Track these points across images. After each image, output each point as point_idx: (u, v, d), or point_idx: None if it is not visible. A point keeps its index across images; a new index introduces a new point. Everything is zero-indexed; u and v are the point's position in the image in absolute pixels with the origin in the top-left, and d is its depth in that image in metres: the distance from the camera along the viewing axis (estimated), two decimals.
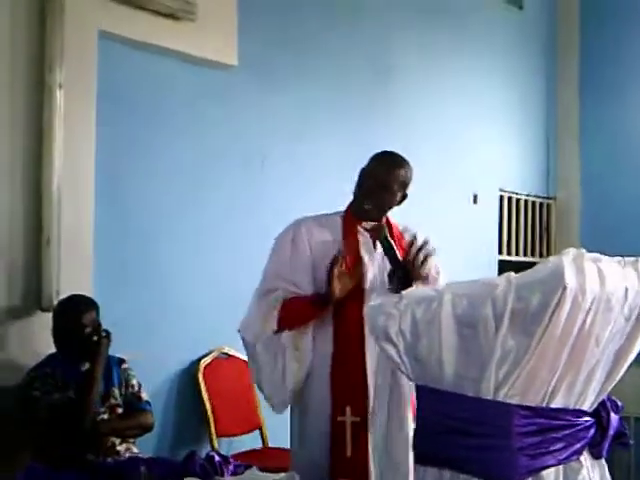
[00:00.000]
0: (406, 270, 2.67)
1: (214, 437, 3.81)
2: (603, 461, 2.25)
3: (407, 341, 2.09)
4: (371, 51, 4.78)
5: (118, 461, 2.71)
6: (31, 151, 3.25)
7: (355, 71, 4.66)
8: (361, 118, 4.65)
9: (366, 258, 2.76)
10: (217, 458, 2.12)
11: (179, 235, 3.78)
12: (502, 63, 5.68)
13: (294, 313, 2.72)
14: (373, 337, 2.22)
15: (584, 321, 1.94)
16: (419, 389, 2.15)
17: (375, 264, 2.76)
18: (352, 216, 2.84)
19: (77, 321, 3.07)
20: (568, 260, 1.89)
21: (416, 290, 2.12)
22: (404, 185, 2.83)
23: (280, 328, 2.71)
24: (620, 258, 2.09)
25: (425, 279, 2.71)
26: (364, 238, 2.81)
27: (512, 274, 1.98)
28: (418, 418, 2.18)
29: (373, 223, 2.82)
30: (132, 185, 3.64)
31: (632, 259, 2.11)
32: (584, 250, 1.96)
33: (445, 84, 5.22)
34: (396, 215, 4.39)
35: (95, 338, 3.07)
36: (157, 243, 3.71)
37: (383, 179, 2.77)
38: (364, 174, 2.81)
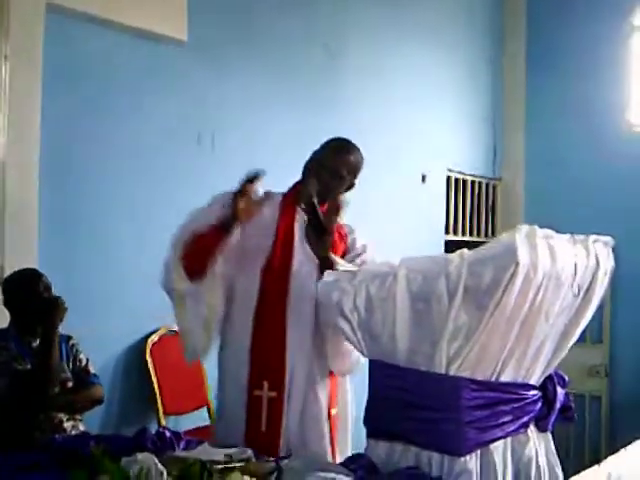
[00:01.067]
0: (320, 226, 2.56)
1: (161, 414, 3.79)
2: (549, 434, 2.31)
3: (361, 317, 2.11)
4: (320, 33, 4.76)
5: (67, 438, 2.67)
6: None
7: (304, 52, 4.63)
8: (309, 98, 4.64)
9: (297, 239, 2.66)
10: (168, 434, 2.10)
11: (127, 210, 3.73)
12: (450, 43, 5.70)
13: (197, 244, 2.61)
14: (328, 313, 2.23)
15: (535, 297, 1.99)
16: (372, 364, 2.18)
17: (305, 249, 2.63)
18: (294, 197, 2.75)
19: (34, 289, 3.03)
20: (521, 237, 1.93)
21: (371, 265, 2.14)
22: (353, 173, 2.76)
23: (189, 270, 2.63)
24: (570, 235, 2.13)
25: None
26: (301, 218, 2.69)
27: (465, 250, 2.01)
28: (370, 392, 2.20)
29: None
30: (78, 159, 3.56)
31: (582, 237, 2.16)
32: (536, 227, 2.00)
33: (393, 66, 5.22)
34: (348, 193, 4.40)
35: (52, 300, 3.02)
36: (104, 218, 3.64)
37: (332, 165, 2.70)
38: (314, 159, 2.74)
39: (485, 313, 1.94)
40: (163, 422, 3.75)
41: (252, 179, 2.59)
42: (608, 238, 2.26)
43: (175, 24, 3.82)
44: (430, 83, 5.50)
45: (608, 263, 2.25)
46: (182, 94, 3.97)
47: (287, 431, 2.56)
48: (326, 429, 2.63)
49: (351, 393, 2.79)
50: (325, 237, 2.53)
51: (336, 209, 2.55)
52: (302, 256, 2.63)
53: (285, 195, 2.78)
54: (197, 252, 2.60)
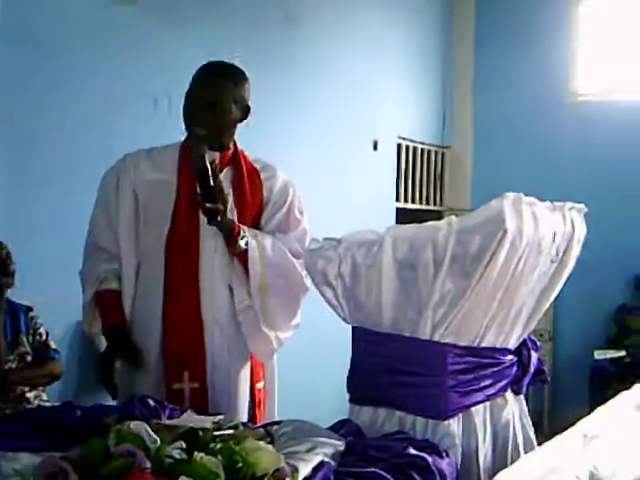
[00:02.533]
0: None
1: None
2: (522, 398, 2.37)
3: (346, 284, 2.12)
4: None
5: (50, 408, 2.63)
6: None
7: (261, 12, 4.57)
8: (265, 60, 4.58)
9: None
10: (152, 402, 2.08)
11: (83, 176, 3.63)
12: (400, 10, 5.70)
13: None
14: (312, 280, 2.23)
15: (517, 263, 2.03)
16: (356, 331, 2.19)
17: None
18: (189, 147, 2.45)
19: None
20: (508, 204, 1.95)
21: (356, 233, 2.14)
22: (240, 98, 2.47)
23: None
24: (549, 203, 2.17)
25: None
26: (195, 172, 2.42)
27: (454, 218, 2.03)
28: (353, 359, 2.22)
29: (212, 153, 2.42)
30: (31, 123, 3.44)
31: (560, 203, 2.21)
32: (522, 194, 2.02)
33: (348, 34, 5.21)
34: (300, 157, 4.41)
35: None
36: (60, 184, 3.55)
37: (210, 95, 2.41)
38: (188, 94, 2.47)
39: (471, 280, 1.96)
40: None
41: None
42: (582, 205, 2.31)
43: None
44: (381, 50, 5.50)
45: (581, 230, 2.30)
46: (138, 55, 3.87)
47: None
48: (245, 406, 2.51)
49: (276, 365, 2.67)
50: (217, 219, 2.33)
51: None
52: (209, 228, 2.39)
53: (181, 151, 2.49)
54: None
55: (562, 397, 5.79)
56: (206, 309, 2.41)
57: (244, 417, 2.46)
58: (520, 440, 2.28)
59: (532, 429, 2.35)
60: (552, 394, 5.83)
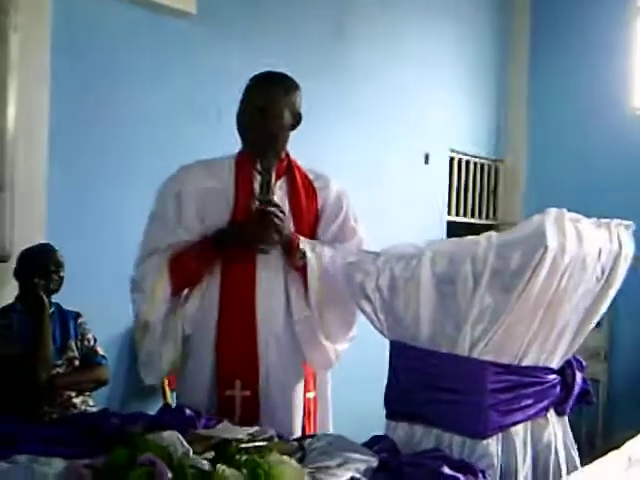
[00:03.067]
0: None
1: (167, 389, 3.79)
2: (566, 418, 2.32)
3: (384, 298, 2.10)
4: (329, 11, 4.72)
5: (88, 414, 2.67)
6: None
7: (312, 29, 4.59)
8: (315, 75, 4.59)
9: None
10: (188, 411, 2.09)
11: (135, 186, 3.70)
12: (454, 24, 5.67)
13: (188, 259, 2.39)
14: (350, 294, 2.22)
15: (560, 280, 1.98)
16: (394, 345, 2.17)
17: None
18: (247, 157, 2.48)
19: (44, 264, 3.02)
20: (550, 220, 1.92)
21: (396, 247, 2.12)
22: (291, 105, 2.48)
23: (175, 286, 2.41)
24: (595, 219, 2.13)
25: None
26: (259, 183, 2.44)
27: (493, 233, 2.00)
28: (391, 374, 2.20)
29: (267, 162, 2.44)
30: (87, 134, 3.52)
31: (606, 220, 2.16)
32: (565, 210, 1.99)
33: (399, 45, 5.19)
34: (351, 169, 4.41)
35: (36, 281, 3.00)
36: (113, 194, 3.62)
37: (261, 101, 2.43)
38: (242, 102, 2.49)
39: (511, 296, 1.93)
40: (169, 397, 3.74)
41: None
42: (629, 222, 2.26)
43: None
44: (434, 64, 5.47)
45: (629, 247, 2.24)
46: (190, 67, 3.93)
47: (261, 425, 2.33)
48: (299, 416, 2.49)
49: (329, 377, 2.66)
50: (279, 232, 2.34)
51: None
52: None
53: (237, 160, 2.51)
54: (187, 274, 2.41)
55: (617, 418, 5.65)
56: (261, 318, 2.40)
57: (297, 427, 2.47)
58: (563, 462, 2.23)
59: (576, 451, 2.30)
60: (606, 415, 5.69)
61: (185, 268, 2.39)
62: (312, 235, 2.52)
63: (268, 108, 2.43)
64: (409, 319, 2.07)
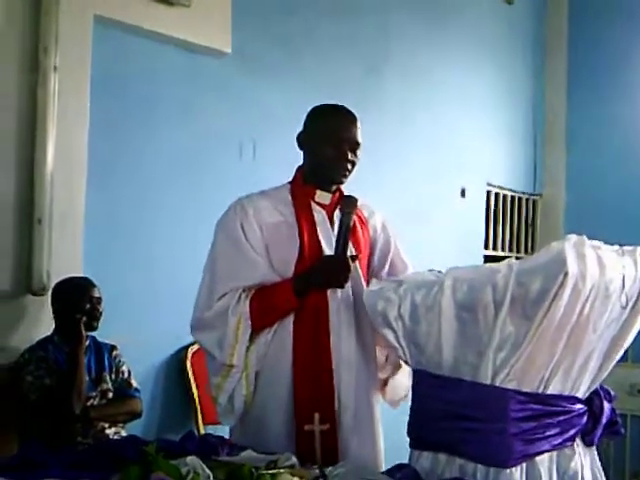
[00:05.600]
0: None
1: (201, 425, 3.81)
2: (594, 448, 2.28)
3: (406, 326, 2.11)
4: (363, 46, 4.79)
5: (114, 440, 2.70)
6: (25, 133, 3.23)
7: (346, 65, 4.66)
8: (352, 109, 4.67)
9: (324, 242, 2.41)
10: (213, 439, 2.11)
11: (171, 220, 3.77)
12: (491, 58, 5.71)
13: (269, 307, 2.34)
14: (373, 322, 2.23)
15: (583, 307, 1.97)
16: (416, 374, 2.17)
17: (333, 247, 2.36)
18: (303, 187, 2.47)
19: (83, 299, 3.08)
20: (570, 246, 1.91)
21: (416, 274, 2.13)
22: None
23: (255, 329, 2.34)
24: (618, 247, 2.12)
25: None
26: (320, 216, 2.44)
27: (513, 260, 2.00)
28: (414, 403, 2.20)
29: (325, 195, 2.46)
30: (124, 169, 3.62)
31: (630, 248, 2.14)
32: (585, 237, 1.98)
33: (433, 81, 5.24)
34: (388, 204, 4.43)
35: (79, 316, 3.06)
36: (148, 227, 3.69)
37: (354, 135, 2.41)
38: (327, 134, 2.41)
39: (532, 323, 1.92)
40: (202, 431, 3.76)
41: (353, 260, 2.35)
42: None
43: (219, 36, 3.88)
44: (470, 97, 5.50)
45: None
46: (224, 104, 4.02)
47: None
48: (381, 445, 2.49)
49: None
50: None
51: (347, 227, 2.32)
52: None
53: (292, 191, 2.48)
54: (268, 319, 2.35)
55: None
56: (335, 348, 2.36)
57: (378, 458, 2.46)
58: None
59: None
60: None
61: (267, 312, 2.34)
62: (368, 265, 2.54)
63: (357, 141, 2.43)
64: (431, 347, 2.07)
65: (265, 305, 2.33)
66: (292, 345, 2.36)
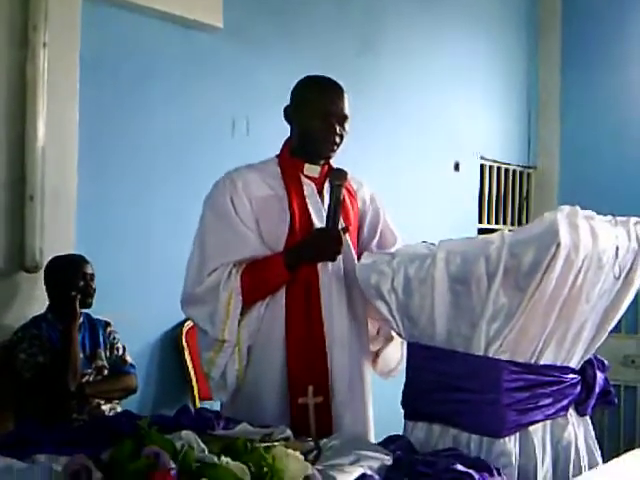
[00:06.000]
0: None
1: (197, 400, 3.82)
2: (588, 419, 2.30)
3: (399, 299, 2.11)
4: (357, 23, 4.76)
5: (109, 416, 2.71)
6: (15, 109, 3.20)
7: (340, 41, 4.63)
8: (345, 86, 4.63)
9: (314, 215, 2.40)
10: (208, 413, 2.12)
11: (163, 196, 3.76)
12: (485, 35, 5.67)
13: (260, 282, 2.33)
14: (366, 295, 2.23)
15: (575, 278, 1.97)
16: (410, 346, 2.18)
17: (323, 220, 2.36)
18: (291, 160, 2.45)
19: (77, 275, 3.08)
20: (562, 217, 1.91)
21: (409, 247, 2.13)
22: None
23: (247, 303, 2.33)
24: (611, 217, 2.12)
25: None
26: (309, 189, 2.43)
27: (506, 231, 2.00)
28: (408, 375, 2.20)
29: (314, 167, 2.44)
30: (115, 145, 3.60)
31: (624, 218, 2.14)
32: (578, 207, 1.98)
33: (427, 55, 5.21)
34: (381, 179, 4.42)
35: (74, 294, 3.06)
36: (140, 204, 3.68)
37: (342, 108, 2.38)
38: (314, 107, 2.39)
39: (525, 295, 1.92)
40: (199, 406, 3.78)
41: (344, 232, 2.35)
42: None
43: (211, 10, 3.84)
44: (464, 70, 5.47)
45: None
46: (217, 80, 4.00)
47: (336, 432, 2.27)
48: (371, 416, 2.50)
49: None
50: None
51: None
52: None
53: (281, 164, 2.46)
54: (260, 292, 2.34)
55: None
56: (327, 320, 2.36)
57: (370, 430, 2.47)
58: (585, 462, 2.20)
59: (598, 451, 2.27)
60: None
61: (258, 286, 2.33)
62: (357, 238, 2.53)
63: (345, 114, 2.40)
64: (424, 320, 2.08)
65: (256, 280, 2.32)
66: (284, 319, 2.35)
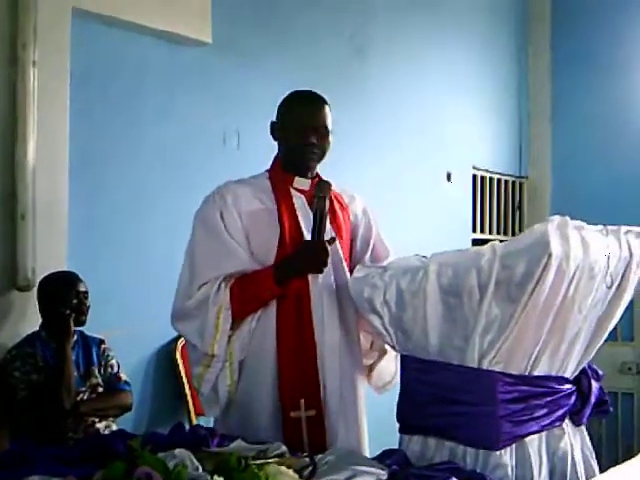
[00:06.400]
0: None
1: (192, 416, 3.80)
2: (583, 428, 2.30)
3: (392, 312, 2.11)
4: (346, 28, 4.76)
5: (102, 435, 2.70)
6: (5, 127, 3.19)
7: (330, 48, 4.64)
8: (335, 96, 4.56)
9: (304, 228, 2.39)
10: (202, 431, 2.11)
11: (155, 212, 3.75)
12: (475, 43, 5.69)
13: (249, 296, 2.33)
14: (359, 309, 2.23)
15: (568, 289, 1.97)
16: (404, 359, 2.17)
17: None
18: (282, 174, 2.47)
19: (70, 293, 3.07)
20: (553, 228, 1.91)
21: (401, 260, 2.13)
22: (331, 124, 2.48)
23: (236, 318, 2.34)
24: (602, 227, 2.12)
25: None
26: (299, 201, 2.44)
27: (497, 243, 2.00)
28: (402, 388, 2.20)
29: (303, 180, 2.46)
30: (107, 162, 3.59)
31: (614, 227, 2.15)
32: (568, 218, 1.98)
33: (417, 64, 5.22)
34: (373, 191, 4.42)
35: (67, 312, 3.05)
36: (133, 220, 3.67)
37: (317, 120, 2.41)
38: (291, 120, 2.43)
39: (517, 306, 1.93)
40: (194, 422, 3.76)
41: (330, 242, 2.34)
42: (639, 228, 2.24)
43: (199, 26, 3.85)
44: (455, 81, 5.48)
45: None
46: (207, 94, 4.00)
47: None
48: (365, 428, 2.49)
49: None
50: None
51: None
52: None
53: (272, 178, 2.48)
54: (250, 307, 2.34)
55: None
56: (318, 333, 2.35)
57: (364, 442, 2.46)
58: (581, 472, 2.20)
59: (595, 461, 2.27)
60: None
61: (247, 301, 2.33)
62: (350, 251, 2.53)
63: (324, 125, 2.43)
64: (417, 332, 2.07)
65: (246, 294, 2.33)
66: (275, 332, 2.35)
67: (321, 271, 2.33)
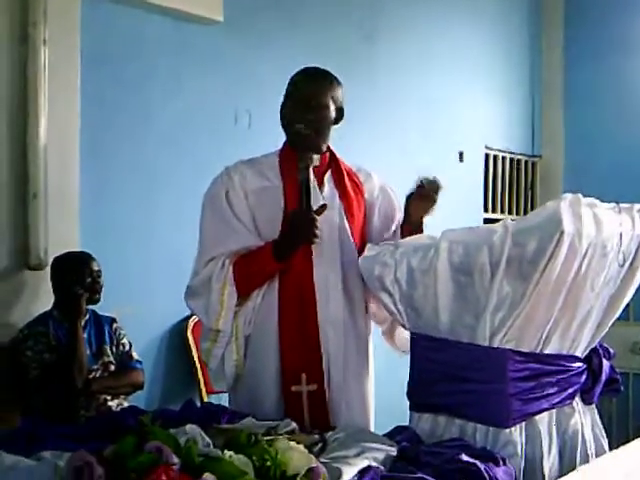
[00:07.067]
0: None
1: (204, 394, 3.82)
2: (594, 407, 2.29)
3: (403, 290, 2.10)
4: (357, 11, 4.74)
5: (114, 412, 2.71)
6: (16, 106, 3.20)
7: (340, 30, 4.61)
8: (346, 77, 4.56)
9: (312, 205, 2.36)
10: (213, 407, 2.12)
11: (166, 192, 3.76)
12: (486, 20, 5.64)
13: (252, 272, 2.35)
14: (370, 287, 2.22)
15: (580, 266, 1.96)
16: (414, 337, 2.17)
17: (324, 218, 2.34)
18: (290, 152, 2.45)
19: (83, 272, 3.08)
20: (565, 205, 1.90)
21: (412, 238, 2.12)
22: (335, 98, 2.45)
23: (241, 293, 2.35)
24: (615, 204, 2.10)
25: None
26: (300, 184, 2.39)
27: (509, 220, 1.99)
28: (413, 366, 2.20)
29: (314, 157, 2.42)
30: (118, 141, 3.59)
31: (627, 205, 2.13)
32: (580, 195, 1.97)
33: (429, 44, 5.18)
34: (385, 170, 4.39)
35: (81, 291, 3.06)
36: (144, 200, 3.68)
37: (310, 94, 2.40)
38: (287, 96, 2.45)
39: (529, 283, 1.91)
40: (205, 400, 3.78)
41: (321, 210, 2.32)
42: None
43: (211, 4, 3.83)
44: (467, 59, 5.44)
45: None
46: (219, 74, 3.98)
47: (334, 424, 2.28)
48: (371, 404, 2.48)
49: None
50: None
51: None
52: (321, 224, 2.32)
53: (281, 156, 2.49)
54: (251, 284, 2.36)
55: None
56: (321, 309, 2.35)
57: (370, 418, 2.46)
58: (592, 451, 2.20)
59: (605, 439, 2.27)
60: None
61: (250, 277, 2.35)
62: (362, 228, 2.51)
63: (314, 99, 2.40)
64: (428, 310, 2.07)
65: (248, 269, 2.35)
66: (278, 308, 2.36)
67: (312, 242, 2.31)
